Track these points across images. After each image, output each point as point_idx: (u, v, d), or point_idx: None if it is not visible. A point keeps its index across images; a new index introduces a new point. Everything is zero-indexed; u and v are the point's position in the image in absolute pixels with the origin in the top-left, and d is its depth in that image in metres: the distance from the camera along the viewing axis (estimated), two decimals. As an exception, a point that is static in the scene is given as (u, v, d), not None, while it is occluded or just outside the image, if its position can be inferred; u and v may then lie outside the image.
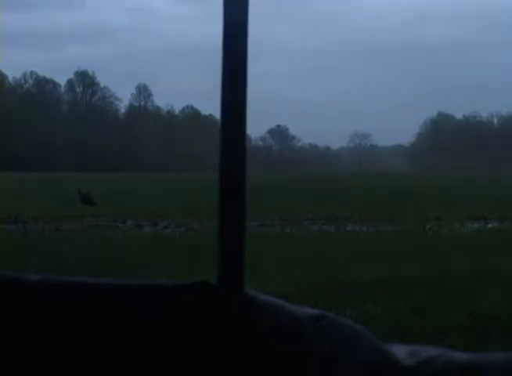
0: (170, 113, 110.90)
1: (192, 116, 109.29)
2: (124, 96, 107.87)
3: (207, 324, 1.27)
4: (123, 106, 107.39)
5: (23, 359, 1.32)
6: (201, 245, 11.27)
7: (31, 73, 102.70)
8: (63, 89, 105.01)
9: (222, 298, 1.28)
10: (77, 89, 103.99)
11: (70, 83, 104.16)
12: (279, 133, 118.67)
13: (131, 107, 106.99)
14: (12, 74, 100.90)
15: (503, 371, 1.12)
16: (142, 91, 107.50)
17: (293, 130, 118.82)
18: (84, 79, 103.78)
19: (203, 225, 15.86)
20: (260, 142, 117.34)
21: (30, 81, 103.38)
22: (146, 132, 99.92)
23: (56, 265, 9.91)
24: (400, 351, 1.22)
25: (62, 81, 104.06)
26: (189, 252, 11.05)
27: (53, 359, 1.32)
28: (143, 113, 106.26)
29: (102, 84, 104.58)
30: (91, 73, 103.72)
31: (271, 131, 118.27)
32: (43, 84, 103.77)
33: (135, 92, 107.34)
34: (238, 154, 1.29)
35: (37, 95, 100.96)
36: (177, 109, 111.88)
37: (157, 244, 12.92)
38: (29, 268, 9.31)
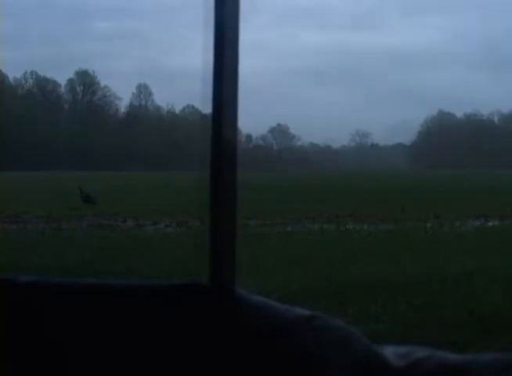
0: (170, 112, 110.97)
1: (192, 115, 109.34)
2: (124, 96, 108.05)
3: (199, 325, 1.26)
4: (123, 105, 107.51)
5: (20, 361, 1.30)
6: (200, 244, 11.27)
7: (32, 73, 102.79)
8: (63, 89, 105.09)
9: (214, 299, 1.27)
10: (78, 89, 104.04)
11: (70, 83, 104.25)
12: (280, 132, 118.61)
13: (131, 106, 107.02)
14: (13, 73, 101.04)
15: (492, 373, 1.12)
16: (143, 90, 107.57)
17: (294, 129, 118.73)
18: (85, 79, 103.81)
19: (204, 223, 15.86)
20: (260, 141, 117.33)
21: (31, 81, 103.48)
22: (146, 131, 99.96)
23: (57, 264, 9.97)
24: (391, 352, 1.21)
25: (62, 81, 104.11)
26: (189, 250, 11.11)
27: (50, 359, 1.30)
28: (144, 113, 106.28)
29: (102, 84, 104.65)
30: (91, 72, 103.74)
31: (272, 130, 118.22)
32: (43, 84, 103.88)
33: (135, 91, 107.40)
34: (229, 154, 1.29)
35: (37, 95, 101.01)
36: (177, 108, 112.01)
37: (157, 242, 13.01)
38: (30, 267, 9.41)
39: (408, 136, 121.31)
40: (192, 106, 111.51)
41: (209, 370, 1.25)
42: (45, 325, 1.31)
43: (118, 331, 1.30)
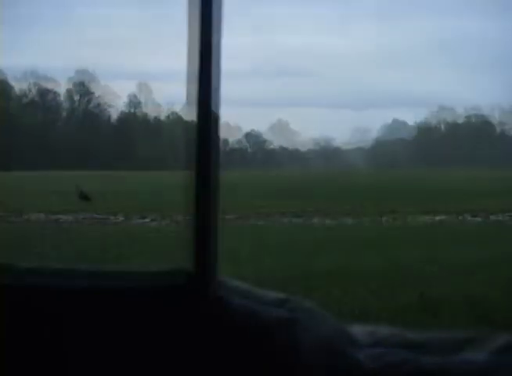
0: (157, 118, 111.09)
1: (177, 121, 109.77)
2: (122, 96, 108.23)
3: (183, 313, 1.30)
4: (121, 105, 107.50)
5: (19, 362, 1.32)
6: (182, 236, 12.04)
7: (32, 72, 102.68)
8: (62, 88, 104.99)
9: (197, 289, 1.31)
10: (77, 89, 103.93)
11: (69, 81, 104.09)
12: (253, 137, 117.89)
13: (123, 113, 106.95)
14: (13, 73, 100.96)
15: (447, 348, 1.17)
16: (143, 88, 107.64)
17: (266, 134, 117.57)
18: (84, 76, 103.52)
19: (187, 218, 16.67)
20: (236, 145, 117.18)
21: (31, 80, 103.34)
22: (139, 133, 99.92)
23: (56, 253, 10.57)
24: (358, 331, 1.27)
25: (62, 79, 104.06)
26: (171, 241, 11.77)
27: (49, 360, 1.32)
28: (138, 115, 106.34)
29: (102, 83, 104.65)
30: (91, 71, 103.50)
31: (246, 135, 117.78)
32: (43, 84, 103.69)
33: (131, 93, 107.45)
34: (212, 153, 1.36)
35: (36, 94, 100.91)
36: (163, 115, 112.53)
37: (144, 233, 13.81)
38: (32, 255, 10.10)
39: (408, 133, 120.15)
40: (177, 113, 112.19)
41: (192, 359, 1.28)
42: (44, 325, 1.31)
43: (109, 329, 1.32)
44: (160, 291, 1.33)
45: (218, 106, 1.38)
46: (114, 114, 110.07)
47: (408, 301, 7.59)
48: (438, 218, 18.17)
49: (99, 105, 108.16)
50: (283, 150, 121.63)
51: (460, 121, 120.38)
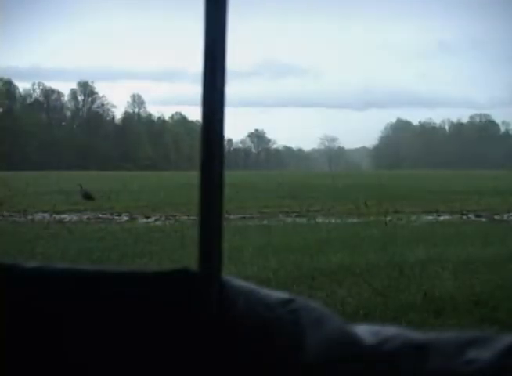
0: (160, 119, 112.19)
1: (180, 121, 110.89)
2: (127, 95, 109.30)
3: (187, 309, 1.30)
4: (126, 105, 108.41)
5: (18, 347, 1.32)
6: (185, 235, 12.39)
7: (36, 72, 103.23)
8: (66, 88, 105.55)
9: (201, 284, 1.31)
10: (81, 88, 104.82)
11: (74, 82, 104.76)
12: (257, 137, 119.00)
13: (126, 113, 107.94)
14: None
15: (454, 348, 1.18)
16: (136, 99, 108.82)
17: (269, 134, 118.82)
18: (85, 89, 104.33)
19: (190, 217, 16.89)
20: (240, 145, 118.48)
21: (36, 80, 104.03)
22: (140, 136, 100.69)
23: (60, 252, 10.64)
24: (363, 330, 1.26)
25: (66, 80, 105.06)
26: (176, 240, 11.86)
27: (46, 346, 1.32)
28: (137, 119, 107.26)
29: (106, 83, 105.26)
30: (94, 71, 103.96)
31: (250, 135, 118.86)
32: (47, 83, 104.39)
33: (130, 99, 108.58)
34: (218, 154, 1.35)
35: (40, 94, 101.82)
36: (167, 115, 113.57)
37: (149, 233, 13.80)
38: (36, 254, 10.31)
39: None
40: (180, 113, 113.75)
41: (194, 360, 1.28)
42: (44, 326, 1.33)
43: (110, 320, 1.32)
44: (162, 291, 1.33)
45: (223, 105, 1.37)
46: (118, 114, 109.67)
47: (412, 300, 7.61)
48: (441, 217, 18.24)
49: (102, 105, 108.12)
50: (287, 149, 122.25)
51: (464, 120, 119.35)
